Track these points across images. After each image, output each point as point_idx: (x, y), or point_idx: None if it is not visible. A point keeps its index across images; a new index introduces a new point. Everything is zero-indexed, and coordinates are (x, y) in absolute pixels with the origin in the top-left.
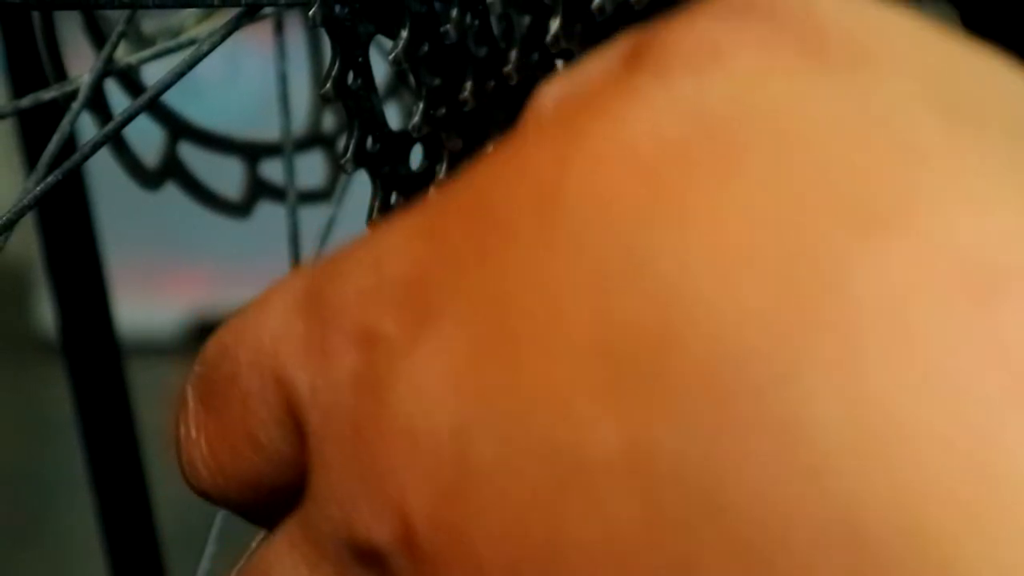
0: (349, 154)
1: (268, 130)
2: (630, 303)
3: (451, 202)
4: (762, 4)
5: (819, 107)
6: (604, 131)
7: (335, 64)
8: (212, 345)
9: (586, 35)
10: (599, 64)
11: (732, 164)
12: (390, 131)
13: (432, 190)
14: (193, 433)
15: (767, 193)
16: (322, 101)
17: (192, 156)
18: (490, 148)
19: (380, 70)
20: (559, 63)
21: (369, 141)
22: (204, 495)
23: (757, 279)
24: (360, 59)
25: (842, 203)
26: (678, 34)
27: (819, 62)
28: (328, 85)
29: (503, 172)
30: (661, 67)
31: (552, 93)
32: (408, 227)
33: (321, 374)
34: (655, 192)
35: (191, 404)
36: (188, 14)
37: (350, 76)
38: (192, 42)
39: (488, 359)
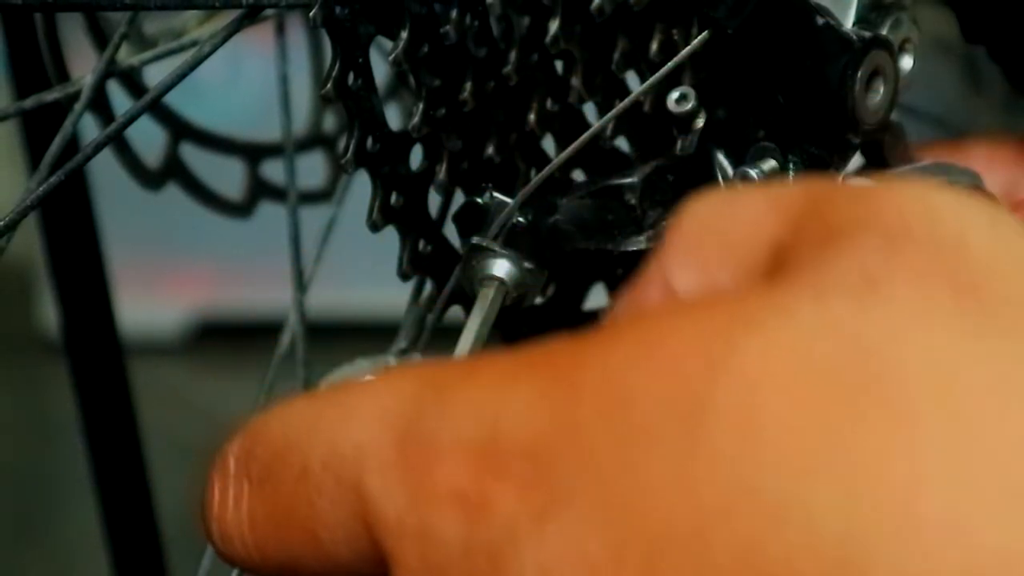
0: (349, 154)
1: (269, 131)
2: (784, 549)
3: (584, 379)
4: (918, 232)
5: (984, 364)
6: (757, 348)
7: (335, 65)
8: (273, 429)
9: (585, 36)
10: (742, 260)
11: (901, 414)
12: (390, 131)
13: (555, 343)
14: (232, 504)
15: (943, 455)
16: (322, 102)
17: (194, 157)
18: (619, 313)
19: (380, 71)
20: (558, 64)
21: (369, 141)
22: (228, 561)
23: (960, 553)
24: (360, 60)
25: None
26: (833, 253)
27: (975, 303)
28: (328, 86)
29: (646, 364)
30: (816, 288)
31: (688, 270)
32: (531, 389)
33: (415, 513)
34: (817, 430)
35: (234, 475)
36: (190, 16)
37: (350, 77)
38: (194, 43)
39: (627, 561)
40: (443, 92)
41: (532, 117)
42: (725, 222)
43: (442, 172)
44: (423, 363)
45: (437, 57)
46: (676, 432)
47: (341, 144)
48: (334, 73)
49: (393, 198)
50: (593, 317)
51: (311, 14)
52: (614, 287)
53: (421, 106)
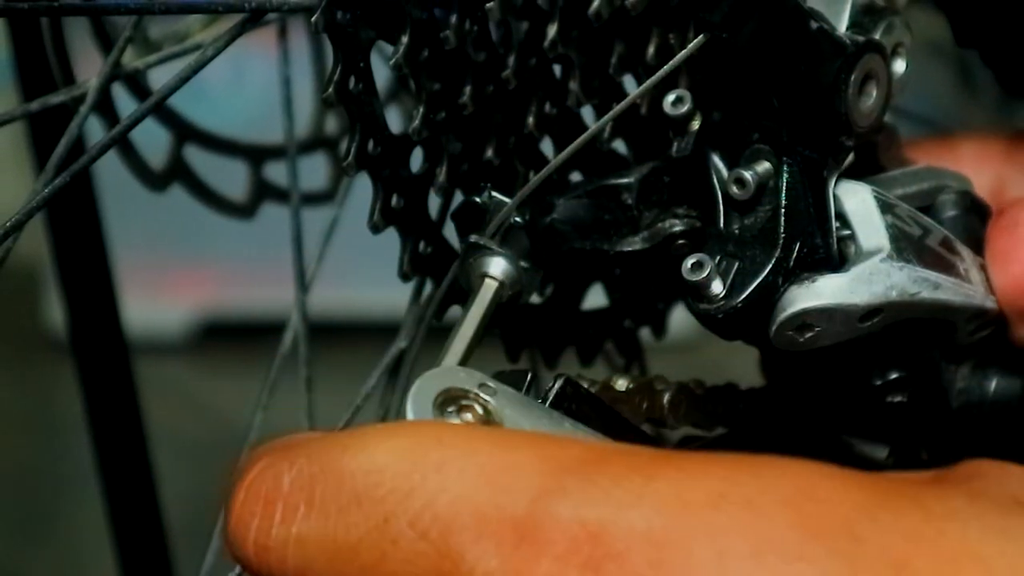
0: (351, 157)
1: (272, 133)
2: None
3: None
4: None
5: None
6: None
7: (336, 69)
8: (352, 466)
9: (583, 40)
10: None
11: None
12: (391, 134)
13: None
14: (279, 520)
15: None
16: (324, 105)
17: (198, 158)
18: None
19: (381, 75)
20: (556, 69)
21: (370, 144)
22: (248, 567)
23: None
24: (361, 64)
25: None
26: None
27: None
28: (330, 90)
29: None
30: None
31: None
32: (663, 490)
33: None
34: None
35: (287, 493)
36: (194, 19)
37: (351, 81)
38: (197, 47)
39: None
40: (443, 96)
41: (531, 120)
42: None
43: (442, 174)
44: (541, 439)
45: (437, 61)
46: None
47: (343, 146)
48: (335, 77)
49: (394, 200)
50: (591, 317)
51: (313, 19)
52: (612, 287)
53: (421, 110)
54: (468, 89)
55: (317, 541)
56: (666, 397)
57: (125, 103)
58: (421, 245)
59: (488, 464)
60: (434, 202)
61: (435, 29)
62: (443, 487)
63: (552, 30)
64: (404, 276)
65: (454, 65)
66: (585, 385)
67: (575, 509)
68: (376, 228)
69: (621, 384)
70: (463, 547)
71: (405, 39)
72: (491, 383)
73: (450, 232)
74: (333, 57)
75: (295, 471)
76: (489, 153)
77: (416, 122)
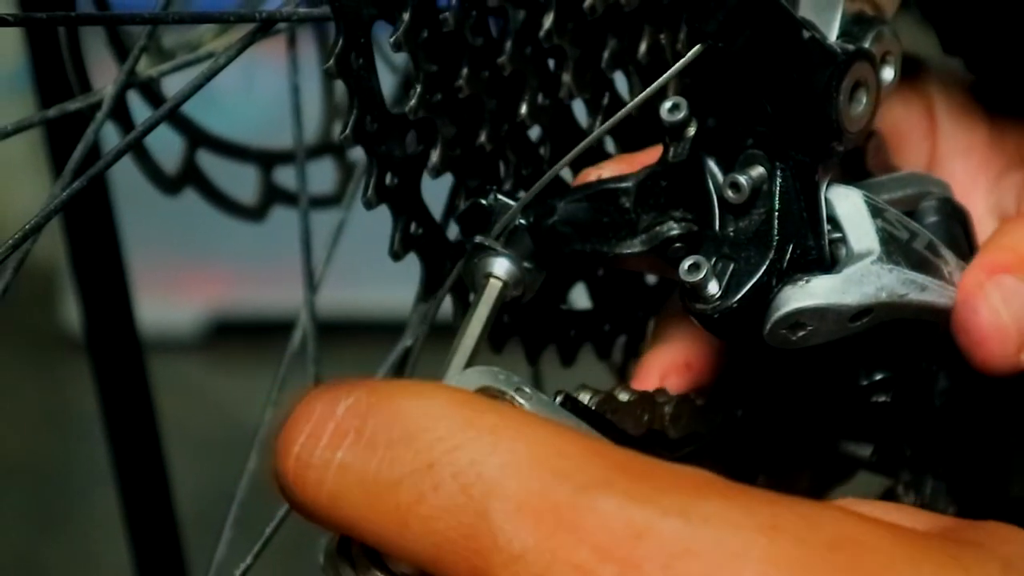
0: (348, 130)
1: (281, 139)
2: None
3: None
4: None
5: None
6: None
7: (338, 43)
8: (409, 409)
9: (577, 33)
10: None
11: None
12: (388, 112)
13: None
14: (326, 443)
15: None
16: (326, 76)
17: (210, 163)
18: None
19: (387, 83)
20: (550, 62)
21: (368, 120)
22: (283, 483)
23: None
24: (363, 41)
25: None
26: None
27: None
28: (331, 62)
29: None
30: None
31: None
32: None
33: (536, 566)
34: None
35: (340, 419)
36: (206, 29)
37: (352, 56)
38: (210, 55)
39: None
40: (440, 78)
41: (524, 109)
42: None
43: (435, 156)
44: (593, 439)
45: (436, 43)
46: None
47: (349, 152)
48: (337, 51)
49: (388, 178)
50: (572, 317)
51: None
52: (595, 288)
53: (419, 89)
54: (465, 72)
55: (359, 470)
56: (667, 409)
57: (140, 110)
58: (412, 226)
59: (539, 444)
60: (436, 201)
61: (435, 11)
62: (493, 451)
63: (548, 20)
64: (395, 255)
65: (452, 48)
66: (589, 396)
67: (621, 506)
68: (369, 204)
69: (623, 396)
70: (501, 517)
71: (406, 16)
72: (527, 388)
73: (451, 229)
74: (335, 32)
75: (352, 399)
76: (482, 139)
77: (413, 101)
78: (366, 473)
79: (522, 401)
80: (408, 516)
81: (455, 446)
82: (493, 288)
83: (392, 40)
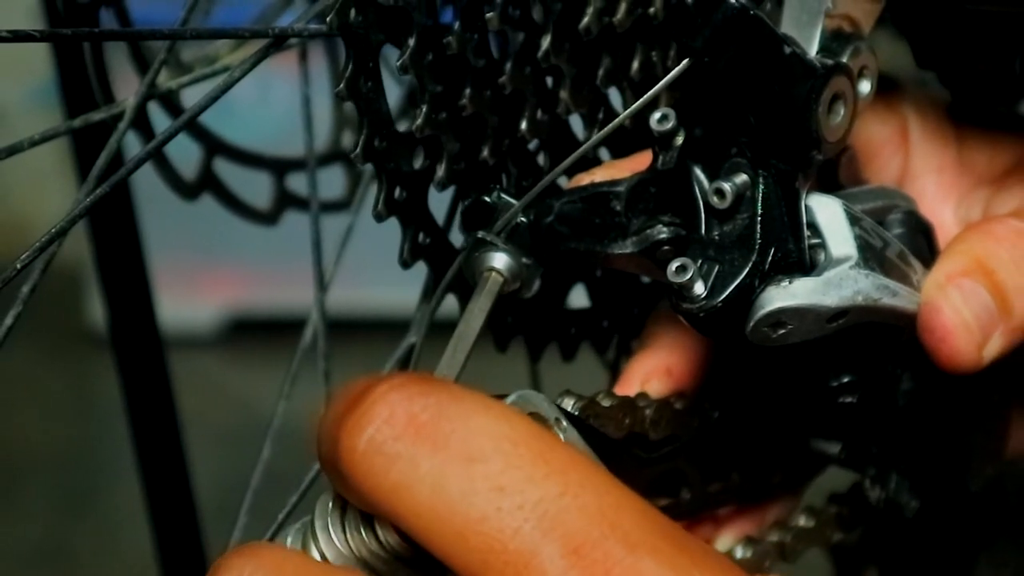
0: (359, 149)
1: (294, 147)
2: None
3: None
4: None
5: None
6: None
7: (348, 67)
8: (490, 422)
9: (573, 53)
10: None
11: None
12: (396, 131)
13: None
14: (401, 434)
15: None
16: (336, 99)
17: (226, 170)
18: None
19: (392, 93)
20: (548, 80)
21: (377, 140)
22: (344, 450)
23: None
24: (371, 64)
25: None
26: None
27: None
28: (341, 85)
29: None
30: None
31: None
32: None
33: None
34: None
35: (422, 418)
36: (222, 44)
37: (361, 79)
38: (226, 69)
39: None
40: (444, 97)
41: (524, 124)
42: None
43: (441, 171)
44: (641, 499)
45: (440, 65)
46: None
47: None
48: (347, 74)
49: (396, 192)
50: (573, 316)
51: (327, 18)
52: (593, 289)
53: (424, 108)
54: (468, 91)
55: (431, 474)
56: (648, 412)
57: (160, 120)
58: (420, 236)
59: (603, 495)
60: (439, 203)
61: (439, 35)
62: (563, 492)
63: (546, 42)
64: (404, 263)
65: (455, 69)
66: (572, 402)
67: (661, 573)
68: (379, 217)
69: (605, 402)
70: (556, 554)
71: (412, 42)
72: (565, 421)
73: (453, 233)
74: (345, 56)
75: (432, 401)
76: (485, 153)
77: (419, 120)
78: (438, 479)
79: (558, 432)
80: (468, 530)
81: (527, 477)
82: (494, 282)
83: (399, 64)
